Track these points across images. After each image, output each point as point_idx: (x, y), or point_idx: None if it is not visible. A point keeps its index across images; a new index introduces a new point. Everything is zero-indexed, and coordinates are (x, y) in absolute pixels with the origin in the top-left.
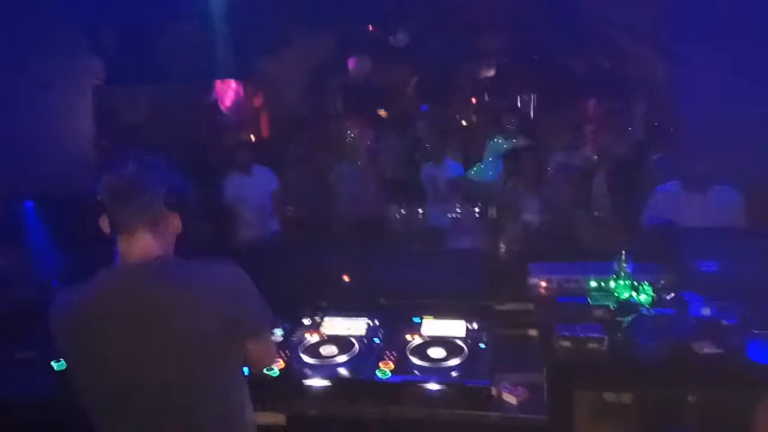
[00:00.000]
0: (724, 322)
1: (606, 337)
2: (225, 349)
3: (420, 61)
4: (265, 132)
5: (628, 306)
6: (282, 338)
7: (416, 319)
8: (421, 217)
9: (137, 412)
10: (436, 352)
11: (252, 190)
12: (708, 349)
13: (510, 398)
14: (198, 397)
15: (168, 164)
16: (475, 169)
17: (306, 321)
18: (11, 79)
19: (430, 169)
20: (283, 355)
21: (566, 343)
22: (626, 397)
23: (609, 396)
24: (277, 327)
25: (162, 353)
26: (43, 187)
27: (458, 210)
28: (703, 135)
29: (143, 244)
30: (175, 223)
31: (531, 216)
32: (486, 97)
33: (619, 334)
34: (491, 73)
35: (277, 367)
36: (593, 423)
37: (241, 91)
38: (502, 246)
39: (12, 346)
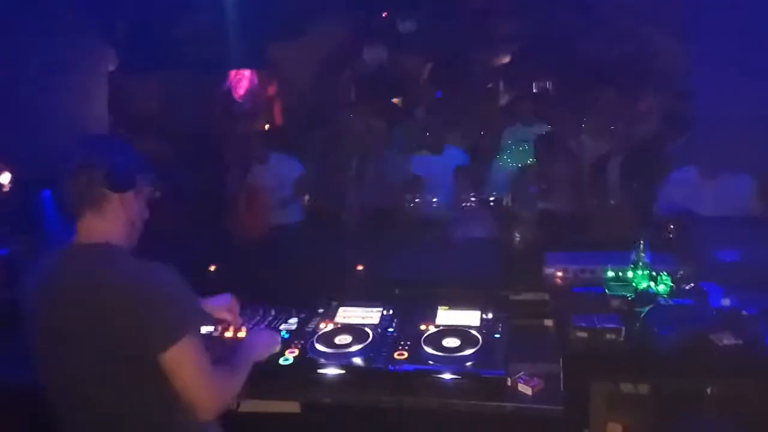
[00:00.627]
0: (744, 312)
1: (623, 328)
2: (132, 358)
3: (434, 48)
4: (279, 121)
5: (646, 296)
6: (296, 327)
7: (429, 310)
8: (434, 205)
9: (62, 388)
10: (451, 342)
11: (275, 178)
12: (727, 340)
13: (525, 389)
14: (103, 391)
15: (114, 144)
16: (498, 157)
17: (320, 310)
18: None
19: (426, 157)
20: (296, 344)
21: (582, 334)
22: (643, 388)
23: (626, 387)
24: (292, 317)
25: (73, 341)
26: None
27: (472, 199)
28: (720, 121)
29: (89, 228)
30: (126, 207)
31: (547, 204)
32: (502, 84)
33: (637, 325)
34: (507, 59)
35: (290, 355)
36: (609, 414)
37: (255, 80)
38: (518, 235)
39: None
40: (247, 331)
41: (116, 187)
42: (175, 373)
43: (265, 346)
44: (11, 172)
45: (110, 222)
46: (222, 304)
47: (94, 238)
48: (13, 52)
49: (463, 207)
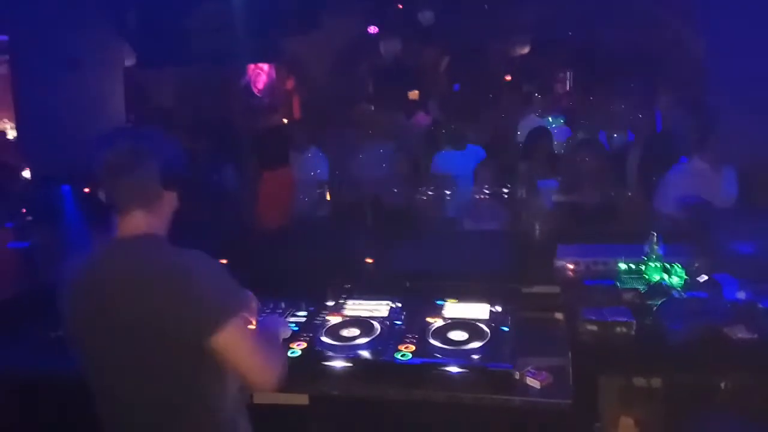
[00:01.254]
0: (760, 305)
1: (634, 321)
2: (183, 344)
3: (451, 40)
4: (297, 114)
5: (659, 289)
6: (305, 320)
7: (438, 302)
8: (448, 198)
9: (111, 381)
10: (458, 335)
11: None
12: (742, 333)
13: (533, 382)
14: (154, 379)
15: (165, 141)
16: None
17: (329, 303)
18: (43, 62)
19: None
20: (305, 336)
21: (593, 327)
22: (656, 382)
23: (638, 381)
24: (301, 309)
25: (123, 333)
26: (78, 170)
27: (486, 191)
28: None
29: (135, 223)
30: (170, 202)
31: (562, 197)
32: (520, 76)
33: (649, 318)
34: (525, 50)
35: (298, 347)
36: (621, 408)
37: (273, 74)
38: (531, 227)
39: (47, 325)
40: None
41: (169, 184)
42: (229, 354)
43: (279, 328)
44: (31, 167)
45: (156, 216)
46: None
47: (139, 232)
48: (29, 49)
49: (478, 200)
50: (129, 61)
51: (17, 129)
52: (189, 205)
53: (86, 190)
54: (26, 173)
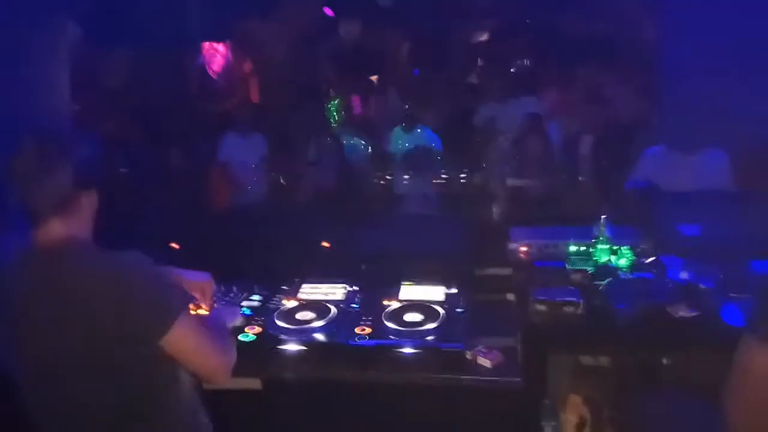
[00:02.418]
0: (701, 285)
1: (581, 301)
2: (130, 350)
3: (411, 24)
4: (255, 97)
5: (606, 270)
6: (258, 304)
7: (393, 286)
8: (405, 182)
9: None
10: (413, 317)
11: (244, 154)
12: (683, 312)
13: (485, 362)
14: (104, 391)
15: (75, 139)
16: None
17: (283, 287)
18: None
19: (400, 135)
20: (258, 320)
21: (542, 307)
22: (602, 361)
23: (586, 360)
24: (254, 293)
25: (59, 349)
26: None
27: (443, 176)
28: (692, 97)
29: (54, 230)
30: (90, 203)
31: (517, 181)
32: (479, 62)
33: (596, 298)
34: (485, 36)
35: (251, 332)
36: (570, 386)
37: (230, 56)
38: (487, 211)
39: None
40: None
41: (85, 184)
42: (180, 353)
43: (228, 319)
44: None
45: (75, 220)
46: (198, 281)
47: (60, 238)
48: None
49: (433, 184)
50: (76, 40)
51: None
52: (135, 189)
53: None
54: None
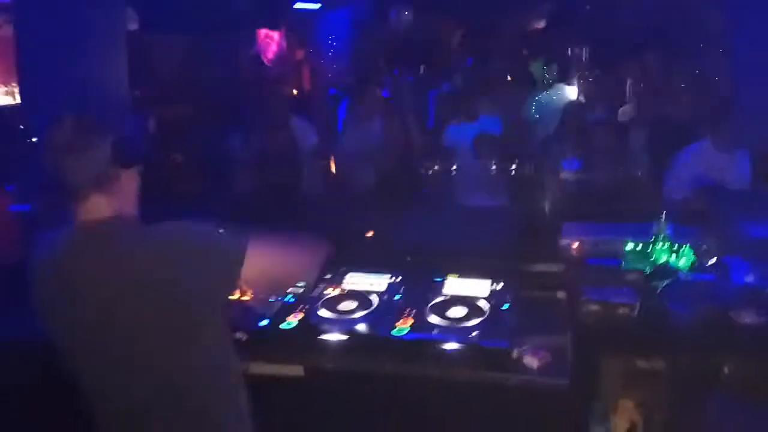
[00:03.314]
0: None
1: (637, 303)
2: (198, 308)
3: (465, 12)
4: (307, 85)
5: (665, 270)
6: (302, 291)
7: (438, 279)
8: (453, 173)
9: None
10: (457, 312)
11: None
12: (749, 318)
13: (531, 361)
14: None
15: (116, 116)
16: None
17: (327, 276)
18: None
19: (461, 126)
20: (301, 308)
21: (594, 307)
22: (657, 365)
23: (640, 363)
24: None
25: (120, 326)
26: None
27: (494, 167)
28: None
29: (95, 208)
30: (130, 181)
31: (569, 174)
32: (535, 51)
33: (653, 300)
34: (541, 24)
35: (294, 319)
36: (622, 390)
37: (284, 44)
38: (538, 205)
39: None
40: None
41: (124, 162)
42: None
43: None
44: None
45: (117, 197)
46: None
47: (104, 216)
48: (33, 12)
49: (485, 175)
50: (133, 26)
51: (20, 92)
52: (191, 174)
53: None
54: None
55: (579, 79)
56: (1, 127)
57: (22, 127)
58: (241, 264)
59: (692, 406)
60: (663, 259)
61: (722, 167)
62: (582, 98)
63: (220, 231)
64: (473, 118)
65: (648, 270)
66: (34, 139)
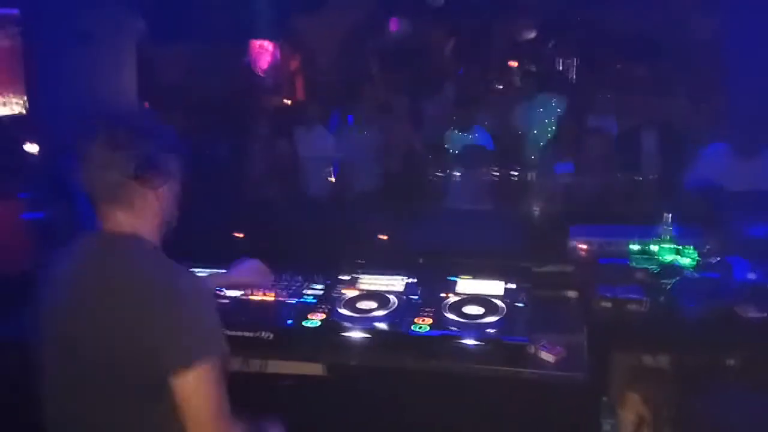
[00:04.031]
0: None
1: (647, 299)
2: (147, 368)
3: (458, 22)
4: (301, 95)
5: (671, 269)
6: (322, 292)
7: (452, 278)
8: (458, 178)
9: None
10: (474, 310)
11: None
12: (752, 313)
13: (548, 356)
14: (101, 402)
15: (149, 125)
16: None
17: (343, 277)
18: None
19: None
20: (323, 308)
21: (607, 304)
22: (665, 360)
23: (648, 358)
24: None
25: (87, 334)
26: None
27: (495, 172)
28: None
29: (114, 221)
30: (155, 200)
31: (572, 178)
32: (526, 61)
33: (661, 297)
34: (532, 35)
35: (316, 318)
36: (630, 384)
37: (278, 54)
38: (542, 208)
39: None
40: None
41: (148, 182)
42: (184, 402)
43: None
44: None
45: (138, 217)
46: (247, 267)
47: (123, 229)
48: (40, 22)
49: (489, 181)
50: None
51: (28, 102)
52: (196, 182)
53: None
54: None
55: (577, 86)
56: (14, 136)
57: (33, 135)
58: (197, 361)
59: (698, 401)
60: (668, 258)
61: (738, 170)
62: (579, 105)
63: (214, 317)
64: (468, 126)
65: (654, 269)
66: (45, 148)
